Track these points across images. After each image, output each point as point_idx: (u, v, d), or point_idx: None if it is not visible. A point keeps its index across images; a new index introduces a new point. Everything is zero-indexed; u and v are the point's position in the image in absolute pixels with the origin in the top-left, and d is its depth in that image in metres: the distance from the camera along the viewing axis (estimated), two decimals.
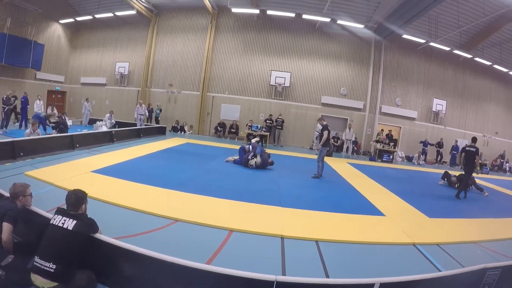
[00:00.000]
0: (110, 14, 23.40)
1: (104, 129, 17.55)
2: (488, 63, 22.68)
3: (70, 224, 3.31)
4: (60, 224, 3.32)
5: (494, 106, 25.20)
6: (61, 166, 8.83)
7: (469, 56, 22.20)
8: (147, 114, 21.56)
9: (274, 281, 2.95)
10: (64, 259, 3.20)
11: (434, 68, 23.66)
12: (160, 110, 23.43)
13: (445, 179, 13.51)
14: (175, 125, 23.05)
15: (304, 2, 20.68)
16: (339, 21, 20.27)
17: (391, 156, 20.06)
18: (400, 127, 23.45)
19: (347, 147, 20.44)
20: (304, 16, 20.81)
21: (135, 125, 19.63)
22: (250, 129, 20.69)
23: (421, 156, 21.83)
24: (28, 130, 11.69)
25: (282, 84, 22.09)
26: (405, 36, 20.67)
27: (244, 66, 23.15)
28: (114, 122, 19.84)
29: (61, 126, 14.92)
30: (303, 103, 22.86)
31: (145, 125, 20.25)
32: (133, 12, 22.59)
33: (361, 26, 20.47)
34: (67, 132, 14.44)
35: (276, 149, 18.74)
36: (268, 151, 13.49)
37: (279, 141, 21.82)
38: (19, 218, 3.74)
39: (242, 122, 22.58)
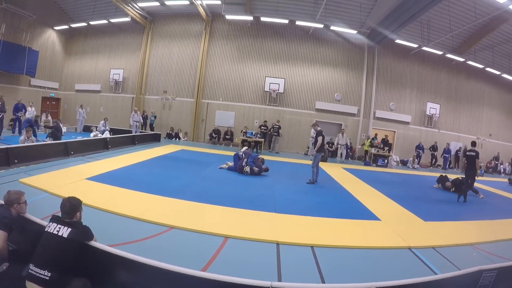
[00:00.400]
0: (105, 21, 23.54)
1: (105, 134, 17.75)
2: (481, 66, 22.95)
3: (65, 231, 3.30)
4: (55, 232, 3.30)
5: (487, 109, 25.45)
6: (55, 173, 8.78)
7: (462, 59, 22.48)
8: (142, 121, 21.54)
9: (269, 287, 2.94)
10: (59, 267, 3.18)
11: (427, 72, 23.85)
12: (155, 117, 23.41)
13: (440, 183, 13.58)
14: (170, 132, 23.01)
15: (297, 8, 20.82)
16: (332, 27, 20.46)
17: (386, 161, 20.11)
18: (395, 132, 23.58)
19: (341, 153, 20.48)
20: (298, 23, 21.00)
21: (129, 132, 19.59)
22: (244, 136, 20.70)
23: (416, 160, 21.92)
24: (22, 137, 11.65)
25: (276, 90, 22.17)
26: (398, 41, 20.90)
27: (238, 73, 23.22)
28: (109, 129, 19.78)
29: (53, 130, 14.86)
30: (297, 109, 22.94)
31: (140, 132, 20.21)
32: (127, 19, 22.68)
33: (354, 32, 20.66)
34: (61, 137, 14.49)
35: (271, 155, 18.75)
36: (262, 157, 13.48)
37: (275, 147, 21.80)
38: (14, 225, 3.72)
39: (237, 128, 22.59)
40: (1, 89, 20.86)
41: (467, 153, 11.26)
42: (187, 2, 20.73)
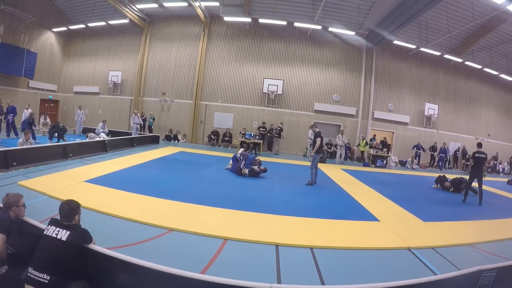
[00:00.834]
0: (103, 23, 23.56)
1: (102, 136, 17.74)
2: (479, 66, 23.02)
3: (63, 235, 3.29)
4: (54, 235, 3.29)
5: (485, 109, 25.52)
6: (54, 176, 8.77)
7: (460, 60, 22.54)
8: (142, 123, 21.54)
9: None
10: (58, 270, 3.17)
11: (425, 73, 23.90)
12: (153, 119, 23.37)
13: (439, 183, 13.59)
14: (169, 133, 23.00)
15: (295, 10, 20.84)
16: (330, 29, 20.47)
17: (385, 161, 20.13)
18: (393, 132, 23.60)
19: (340, 154, 20.50)
20: (296, 24, 21.04)
21: (128, 134, 19.57)
22: (243, 137, 20.69)
23: (415, 160, 21.94)
24: (20, 140, 11.64)
25: (274, 92, 22.18)
26: (396, 42, 20.96)
27: (237, 74, 23.23)
28: (107, 131, 19.77)
29: (56, 129, 15.15)
30: (296, 110, 22.96)
31: (139, 134, 20.20)
32: (125, 21, 22.68)
33: (352, 33, 20.66)
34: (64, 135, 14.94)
35: (269, 157, 18.76)
36: (261, 158, 13.47)
37: (276, 149, 21.79)
38: (12, 228, 3.71)
39: (236, 130, 22.61)
40: None
41: (477, 154, 11.14)
42: (186, 4, 20.78)
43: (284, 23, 21.30)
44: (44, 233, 3.36)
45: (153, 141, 20.09)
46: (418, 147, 22.15)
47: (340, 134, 20.64)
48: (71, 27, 24.81)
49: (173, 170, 11.86)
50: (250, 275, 4.14)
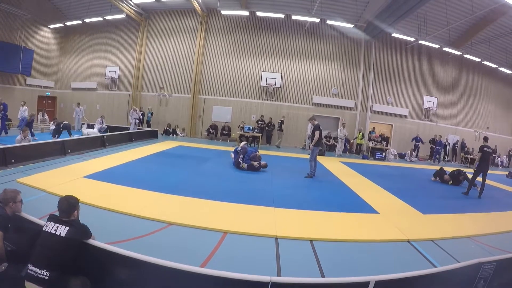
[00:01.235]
0: (100, 18, 23.37)
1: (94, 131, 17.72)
2: (478, 59, 22.92)
3: (62, 230, 3.28)
4: (53, 231, 3.28)
5: (484, 102, 25.46)
6: (53, 172, 8.76)
7: (459, 53, 22.45)
8: (141, 118, 21.48)
9: (269, 282, 2.94)
10: (57, 266, 3.17)
11: (424, 66, 23.84)
12: (152, 114, 23.31)
13: (438, 176, 13.60)
14: (167, 128, 22.95)
15: (293, 3, 20.75)
16: (328, 21, 20.37)
17: (384, 154, 20.14)
18: (392, 125, 23.59)
19: (340, 146, 20.48)
20: (294, 17, 20.88)
21: (126, 129, 19.53)
22: (242, 131, 20.67)
23: (413, 153, 21.95)
24: (19, 137, 11.59)
25: (273, 85, 22.13)
26: (394, 34, 20.83)
27: (235, 68, 23.15)
28: (106, 126, 19.73)
29: (61, 127, 15.51)
30: (294, 104, 22.91)
31: (137, 129, 20.16)
32: (122, 16, 22.52)
33: (351, 25, 20.56)
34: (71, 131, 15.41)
35: (268, 150, 18.75)
36: (260, 152, 13.46)
37: (278, 142, 21.75)
38: (9, 224, 3.70)
39: (234, 123, 22.59)
40: None
41: (485, 148, 11.02)
42: None
43: (282, 16, 21.22)
44: (43, 229, 3.36)
45: (152, 135, 20.08)
46: (417, 139, 22.14)
47: (341, 127, 20.61)
48: (68, 23, 24.59)
49: (172, 165, 11.85)
50: (250, 268, 4.15)
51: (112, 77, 24.43)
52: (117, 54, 25.03)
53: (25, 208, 4.08)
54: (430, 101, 23.48)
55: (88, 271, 3.41)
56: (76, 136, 14.85)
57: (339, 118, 22.74)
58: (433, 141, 22.44)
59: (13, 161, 9.17)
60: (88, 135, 16.63)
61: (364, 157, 20.18)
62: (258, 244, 5.28)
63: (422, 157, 22.74)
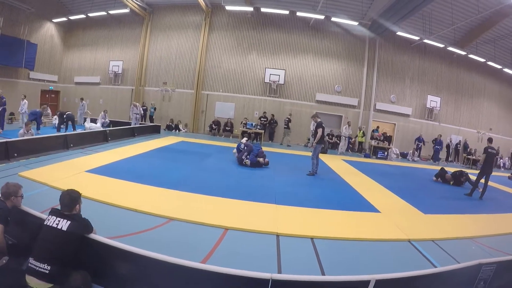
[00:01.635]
0: (104, 13, 23.37)
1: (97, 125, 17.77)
2: (482, 60, 22.81)
3: (64, 224, 3.29)
4: (54, 225, 3.29)
5: (488, 103, 25.38)
6: (55, 166, 8.77)
7: (463, 53, 22.34)
8: (142, 112, 21.46)
9: (269, 279, 2.95)
10: (58, 260, 3.18)
11: (428, 65, 23.75)
12: (155, 109, 23.36)
13: (439, 176, 13.56)
14: (170, 123, 22.98)
15: None
16: (333, 18, 20.33)
17: (386, 153, 20.11)
18: (395, 124, 23.53)
19: (343, 145, 20.45)
20: (298, 14, 20.83)
21: (129, 124, 19.54)
22: (244, 127, 20.68)
23: (416, 152, 21.91)
24: (21, 131, 11.62)
25: (276, 82, 22.11)
26: (399, 33, 20.76)
27: (238, 64, 23.12)
28: (108, 121, 19.75)
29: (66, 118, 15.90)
30: (297, 101, 22.88)
31: (140, 124, 20.16)
32: (126, 10, 22.49)
33: (356, 23, 20.51)
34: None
35: (270, 147, 18.70)
36: (263, 148, 13.46)
37: (287, 140, 21.56)
38: (10, 218, 3.71)
39: (237, 120, 22.57)
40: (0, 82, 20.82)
41: (489, 150, 10.99)
42: None
43: (287, 12, 21.17)
44: (45, 223, 3.37)
45: (154, 130, 20.09)
46: (419, 139, 22.07)
47: (346, 125, 20.57)
48: (71, 18, 24.58)
49: (174, 160, 11.85)
50: (251, 265, 4.15)
51: (115, 72, 24.45)
52: (121, 48, 25.01)
53: (27, 202, 4.10)
54: (433, 101, 23.41)
55: (88, 265, 3.43)
56: (78, 131, 14.88)
57: (342, 116, 22.74)
58: (435, 141, 22.40)
59: (15, 154, 9.16)
60: (90, 129, 16.64)
61: (366, 156, 20.15)
62: (259, 241, 5.29)
63: (424, 157, 22.71)
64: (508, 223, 8.16)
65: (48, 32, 24.60)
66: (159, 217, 5.78)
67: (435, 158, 22.10)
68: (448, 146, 23.18)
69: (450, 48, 22.08)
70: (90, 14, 23.75)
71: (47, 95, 25.27)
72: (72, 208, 3.50)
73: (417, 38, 21.48)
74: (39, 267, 3.12)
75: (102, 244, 3.41)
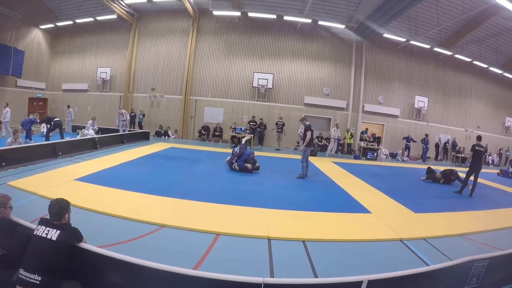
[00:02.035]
0: (91, 19, 23.27)
1: (91, 132, 17.56)
2: (468, 59, 23.17)
3: (53, 234, 3.25)
4: (44, 235, 3.25)
5: (475, 101, 25.78)
6: (44, 175, 8.67)
7: (449, 53, 22.69)
8: (129, 119, 21.29)
9: (261, 284, 2.94)
10: (49, 270, 3.14)
11: (415, 66, 24.05)
12: (143, 115, 23.23)
13: (429, 174, 13.69)
14: (159, 129, 22.85)
15: (285, 3, 20.80)
16: (320, 22, 20.45)
17: (375, 154, 20.23)
18: (383, 125, 23.73)
19: (332, 147, 20.54)
20: (286, 18, 20.96)
21: (118, 131, 19.42)
22: (234, 132, 20.67)
23: (405, 152, 22.08)
24: (9, 139, 11.48)
25: (265, 86, 22.17)
26: (386, 35, 20.97)
27: (226, 69, 23.14)
28: (97, 128, 19.60)
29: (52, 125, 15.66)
30: (286, 104, 22.95)
31: (129, 130, 20.03)
32: (114, 16, 22.43)
33: (342, 26, 20.70)
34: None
35: (260, 151, 18.69)
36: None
37: (279, 144, 21.52)
38: None
39: (226, 124, 22.57)
40: None
41: (477, 147, 11.07)
42: None
43: (274, 16, 21.25)
44: (34, 233, 3.32)
45: (144, 137, 19.96)
46: (408, 139, 22.25)
47: (335, 127, 20.69)
48: (59, 24, 24.42)
49: (164, 166, 11.78)
50: (243, 270, 4.15)
51: (103, 78, 24.30)
52: (109, 55, 24.88)
53: (16, 211, 4.03)
54: (421, 101, 23.69)
55: (79, 274, 3.39)
56: (67, 139, 14.74)
57: (330, 118, 22.85)
58: (423, 141, 22.62)
59: (3, 164, 9.04)
60: (87, 136, 16.60)
61: (356, 157, 20.26)
62: (251, 245, 5.27)
63: (413, 157, 22.91)
64: (499, 218, 8.29)
65: (35, 38, 24.42)
66: (150, 224, 5.73)
67: (423, 157, 22.32)
68: (437, 145, 23.42)
69: (437, 49, 22.41)
70: (78, 21, 23.64)
71: (34, 103, 24.99)
72: (61, 218, 3.46)
73: (403, 39, 21.73)
74: (30, 278, 3.07)
75: (92, 253, 3.37)
